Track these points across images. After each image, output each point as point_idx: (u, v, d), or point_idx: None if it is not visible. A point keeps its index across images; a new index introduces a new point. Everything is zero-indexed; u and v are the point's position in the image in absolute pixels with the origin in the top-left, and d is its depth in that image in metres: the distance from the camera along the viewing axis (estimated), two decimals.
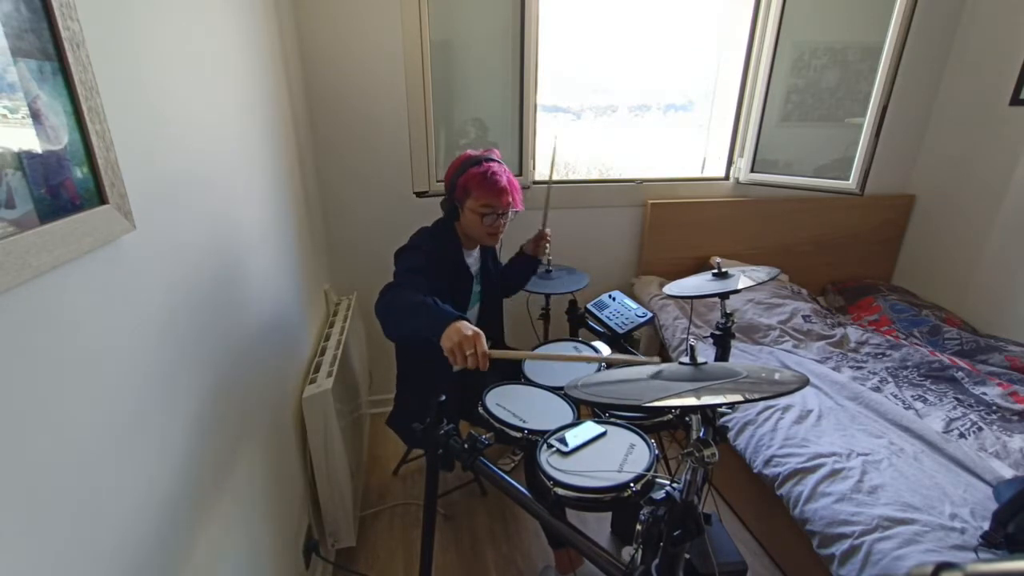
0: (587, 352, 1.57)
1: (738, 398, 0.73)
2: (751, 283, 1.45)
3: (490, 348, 1.10)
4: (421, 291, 1.27)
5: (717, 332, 1.51)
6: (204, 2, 1.03)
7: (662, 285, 2.03)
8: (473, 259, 1.60)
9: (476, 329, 1.12)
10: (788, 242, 2.59)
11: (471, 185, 1.42)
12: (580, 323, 1.96)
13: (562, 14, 2.38)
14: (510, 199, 1.45)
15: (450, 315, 1.15)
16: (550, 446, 1.08)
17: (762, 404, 1.67)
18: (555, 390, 1.37)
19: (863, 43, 2.08)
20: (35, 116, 0.51)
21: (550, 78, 2.45)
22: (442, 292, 1.40)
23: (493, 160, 1.46)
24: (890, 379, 1.88)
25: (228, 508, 0.95)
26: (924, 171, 2.56)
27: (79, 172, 0.58)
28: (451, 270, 1.52)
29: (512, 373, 1.51)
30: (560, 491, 0.98)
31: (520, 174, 2.26)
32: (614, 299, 1.85)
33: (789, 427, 1.58)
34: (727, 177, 2.54)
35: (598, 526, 1.80)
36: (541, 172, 2.32)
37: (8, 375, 0.47)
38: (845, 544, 1.23)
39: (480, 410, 1.28)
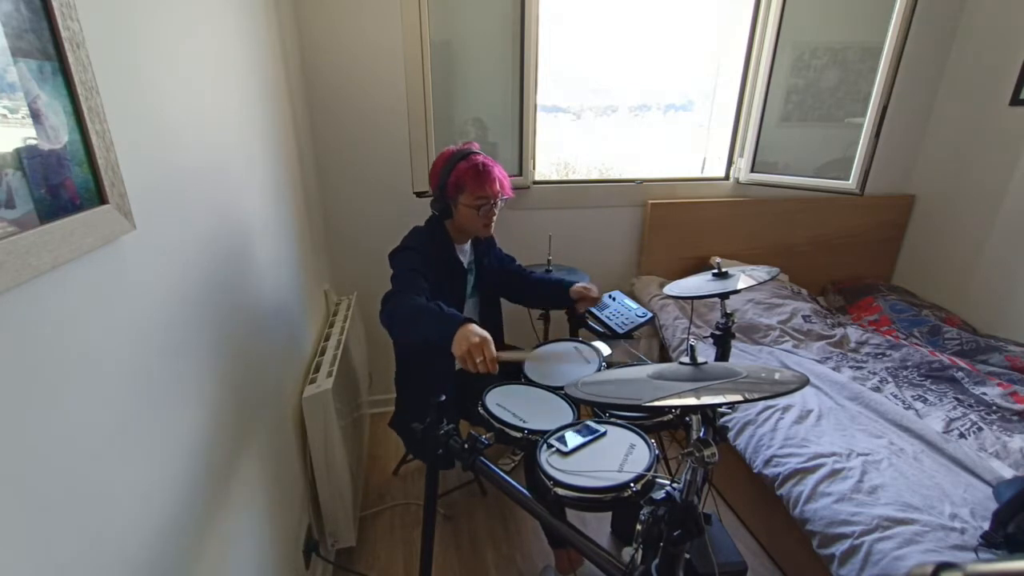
0: (586, 351, 1.57)
1: (738, 398, 0.73)
2: (751, 283, 1.45)
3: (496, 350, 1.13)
4: (421, 292, 1.27)
5: (717, 332, 1.51)
6: (204, 2, 1.03)
7: (662, 285, 2.03)
8: (464, 253, 1.61)
9: (483, 334, 1.13)
10: (788, 242, 2.59)
11: (464, 180, 1.42)
12: (580, 323, 1.96)
13: (562, 14, 2.38)
14: (500, 187, 1.46)
15: (455, 319, 1.16)
16: (550, 446, 1.08)
17: (762, 404, 1.67)
18: (555, 390, 1.37)
19: (863, 43, 2.08)
20: (35, 116, 0.51)
21: (550, 78, 2.45)
22: (439, 289, 1.40)
23: (477, 152, 1.46)
24: (890, 379, 1.88)
25: (228, 508, 0.95)
26: (924, 171, 2.56)
27: (79, 172, 0.58)
28: (445, 267, 1.53)
29: (512, 372, 1.51)
30: (560, 491, 0.98)
31: (520, 174, 2.26)
32: (614, 299, 1.84)
33: (789, 427, 1.58)
34: (727, 177, 2.54)
35: (598, 526, 1.80)
36: (542, 172, 2.32)
37: (8, 375, 0.47)
38: (845, 544, 1.23)
39: (480, 410, 1.27)
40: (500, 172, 1.47)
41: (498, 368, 1.13)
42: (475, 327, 1.15)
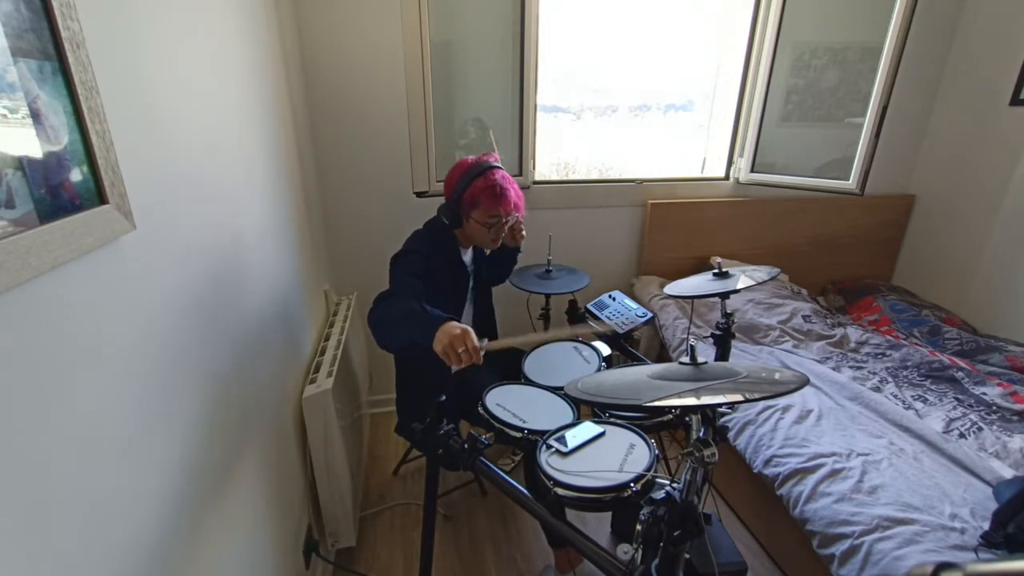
0: (586, 351, 1.58)
1: (738, 398, 0.73)
2: (751, 283, 1.45)
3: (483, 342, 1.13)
4: (416, 296, 1.27)
5: (717, 332, 1.51)
6: (205, 2, 1.03)
7: (662, 285, 2.03)
8: (468, 257, 1.61)
9: (463, 326, 1.13)
10: (788, 242, 2.59)
11: (480, 198, 1.42)
12: (580, 323, 1.96)
13: (562, 14, 2.38)
14: (514, 208, 1.47)
15: (438, 318, 1.16)
16: (550, 446, 1.08)
17: (762, 404, 1.67)
18: (555, 390, 1.37)
19: (863, 43, 2.08)
20: (35, 116, 0.51)
21: (550, 78, 2.45)
22: (440, 294, 1.40)
23: (496, 167, 1.46)
24: (890, 379, 1.88)
25: (228, 508, 0.95)
26: (924, 171, 2.56)
27: (79, 172, 0.57)
28: (450, 271, 1.53)
29: (512, 373, 1.51)
30: (560, 491, 0.98)
31: (520, 174, 2.26)
32: (614, 299, 1.84)
33: (789, 427, 1.58)
34: (727, 177, 2.54)
35: (598, 526, 1.80)
36: (542, 172, 2.32)
37: (8, 375, 0.47)
38: (845, 544, 1.23)
39: (480, 410, 1.27)
40: (516, 192, 1.47)
41: (482, 359, 1.12)
42: (455, 322, 1.15)
